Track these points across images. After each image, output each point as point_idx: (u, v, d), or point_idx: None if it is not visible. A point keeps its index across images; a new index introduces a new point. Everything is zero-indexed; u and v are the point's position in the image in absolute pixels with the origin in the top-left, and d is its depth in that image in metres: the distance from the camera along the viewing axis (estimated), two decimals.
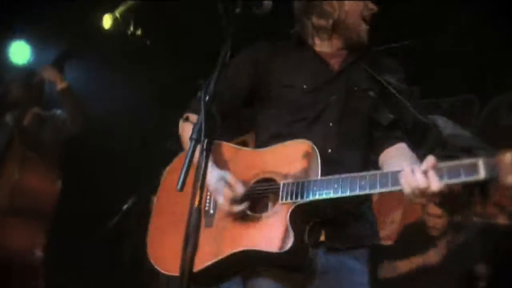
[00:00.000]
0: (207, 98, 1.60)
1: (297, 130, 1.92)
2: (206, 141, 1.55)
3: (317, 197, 1.72)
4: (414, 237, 4.04)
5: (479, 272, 3.67)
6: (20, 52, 3.97)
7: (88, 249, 3.64)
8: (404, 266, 3.88)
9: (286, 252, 1.69)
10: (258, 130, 2.08)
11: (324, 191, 1.72)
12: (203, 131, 1.55)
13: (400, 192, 1.62)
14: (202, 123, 1.56)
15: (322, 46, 2.07)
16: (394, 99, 1.97)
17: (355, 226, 1.92)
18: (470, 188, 4.00)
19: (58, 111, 3.43)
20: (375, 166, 1.99)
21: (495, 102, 4.53)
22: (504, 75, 4.29)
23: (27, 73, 3.57)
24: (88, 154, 3.90)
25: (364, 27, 2.03)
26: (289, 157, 1.85)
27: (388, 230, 4.66)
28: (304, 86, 1.96)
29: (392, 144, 1.95)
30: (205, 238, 1.70)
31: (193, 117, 1.91)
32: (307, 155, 1.80)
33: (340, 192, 1.70)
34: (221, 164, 1.94)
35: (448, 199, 3.88)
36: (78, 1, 3.90)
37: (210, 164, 1.70)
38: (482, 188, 3.97)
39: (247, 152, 2.02)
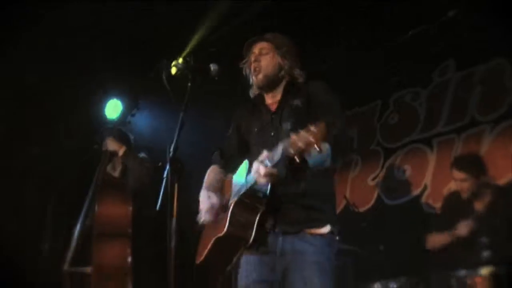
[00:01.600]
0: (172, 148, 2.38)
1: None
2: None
3: (239, 192, 2.50)
4: (456, 206, 4.17)
5: None
6: (113, 109, 4.70)
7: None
8: (438, 239, 4.10)
9: (226, 235, 2.44)
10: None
11: (239, 189, 2.53)
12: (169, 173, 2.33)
13: None
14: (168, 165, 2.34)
15: (268, 97, 2.80)
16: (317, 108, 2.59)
17: (299, 213, 2.49)
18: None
19: (142, 155, 4.34)
20: None
21: None
22: None
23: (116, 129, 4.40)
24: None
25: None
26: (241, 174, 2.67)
27: None
28: (256, 129, 2.74)
29: None
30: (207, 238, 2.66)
31: (213, 166, 2.89)
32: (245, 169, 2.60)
33: (244, 185, 2.48)
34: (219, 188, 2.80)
35: (468, 163, 4.11)
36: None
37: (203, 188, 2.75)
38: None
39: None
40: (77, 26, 4.51)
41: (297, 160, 2.14)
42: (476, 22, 4.57)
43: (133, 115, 4.56)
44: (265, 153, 2.32)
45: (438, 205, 4.97)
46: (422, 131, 5.28)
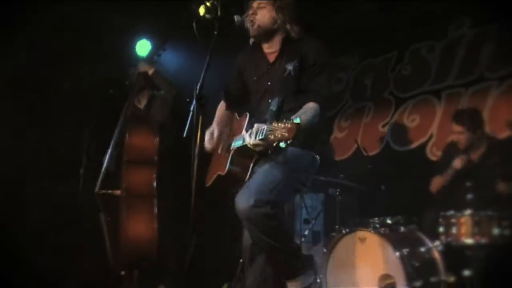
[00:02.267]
0: (198, 87, 2.77)
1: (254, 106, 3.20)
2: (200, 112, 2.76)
3: (236, 145, 3.01)
4: (452, 154, 4.51)
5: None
6: (143, 47, 4.95)
7: None
8: (439, 182, 4.49)
9: (226, 174, 3.04)
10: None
11: (237, 142, 3.02)
12: (196, 108, 2.73)
13: None
14: (194, 104, 2.74)
15: (265, 47, 3.21)
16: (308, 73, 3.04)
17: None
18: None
19: (161, 92, 4.82)
20: None
21: None
22: None
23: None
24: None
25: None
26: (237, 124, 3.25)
27: None
28: (254, 78, 3.18)
29: (305, 103, 2.98)
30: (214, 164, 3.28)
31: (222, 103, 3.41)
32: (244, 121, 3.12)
33: (240, 143, 2.97)
34: (232, 128, 3.28)
35: (466, 117, 4.43)
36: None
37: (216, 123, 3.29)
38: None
39: (236, 119, 3.34)
40: None
41: (274, 144, 2.55)
42: None
43: (159, 55, 4.91)
44: (256, 126, 2.74)
45: (441, 153, 5.32)
46: (433, 83, 5.55)
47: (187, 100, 3.02)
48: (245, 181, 2.98)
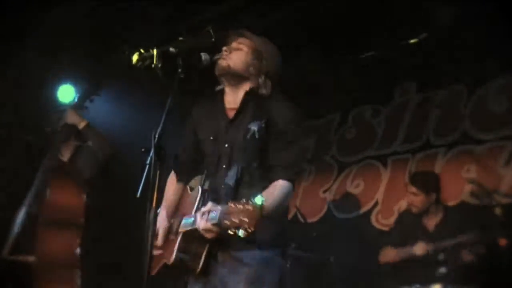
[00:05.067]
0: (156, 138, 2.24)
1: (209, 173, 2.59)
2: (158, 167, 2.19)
3: (185, 227, 2.44)
4: (408, 223, 4.31)
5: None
6: (66, 93, 4.43)
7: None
8: (392, 255, 4.20)
9: (173, 263, 2.40)
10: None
11: (186, 222, 2.46)
12: (153, 161, 2.18)
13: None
14: (152, 152, 2.20)
15: (227, 100, 2.65)
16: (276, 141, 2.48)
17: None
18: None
19: (90, 143, 4.19)
20: None
21: (483, 90, 4.84)
22: (489, 63, 4.60)
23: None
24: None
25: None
26: (187, 197, 2.66)
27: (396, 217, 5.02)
28: (211, 138, 2.59)
29: (271, 181, 2.42)
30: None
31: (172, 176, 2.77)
32: (194, 195, 2.55)
33: (190, 224, 2.40)
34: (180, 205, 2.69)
35: (422, 179, 4.25)
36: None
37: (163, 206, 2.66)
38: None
39: (186, 195, 2.71)
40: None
41: (231, 232, 2.07)
42: (441, 48, 4.75)
43: (91, 101, 4.33)
44: (209, 205, 2.26)
45: (387, 221, 5.11)
46: (378, 148, 5.39)
47: (142, 150, 2.48)
48: (197, 271, 2.41)
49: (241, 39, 2.64)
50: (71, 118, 4.07)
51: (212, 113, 2.66)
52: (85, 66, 4.93)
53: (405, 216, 4.44)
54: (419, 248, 3.97)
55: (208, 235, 2.26)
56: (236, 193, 2.37)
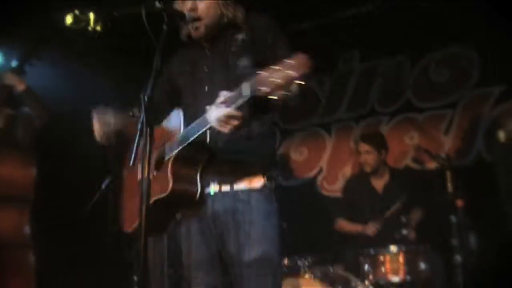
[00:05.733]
0: (146, 98, 2.05)
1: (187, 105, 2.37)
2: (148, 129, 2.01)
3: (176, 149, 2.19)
4: (356, 187, 4.47)
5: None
6: None
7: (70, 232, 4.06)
8: (347, 227, 4.34)
9: (170, 193, 2.15)
10: None
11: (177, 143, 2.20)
12: (145, 122, 2.01)
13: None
14: (143, 116, 2.02)
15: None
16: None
17: (236, 163, 2.25)
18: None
19: (26, 109, 3.82)
20: None
21: (424, 61, 5.05)
22: (431, 35, 4.78)
23: None
24: (57, 145, 4.29)
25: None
26: (169, 126, 2.34)
27: (341, 183, 5.15)
28: (188, 70, 2.41)
29: None
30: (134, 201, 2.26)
31: None
32: (176, 120, 2.29)
33: (184, 139, 2.17)
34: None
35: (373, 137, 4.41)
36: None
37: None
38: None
39: (157, 128, 2.34)
40: None
41: (273, 98, 1.88)
42: (384, 19, 4.84)
43: (31, 65, 3.93)
44: (225, 94, 2.03)
45: (332, 187, 5.24)
46: (322, 116, 5.46)
47: (131, 114, 2.29)
48: (195, 199, 2.21)
49: None
50: (9, 78, 3.69)
51: (187, 51, 2.47)
52: (20, 28, 4.49)
53: (353, 181, 4.59)
54: (371, 230, 4.11)
55: (233, 124, 2.02)
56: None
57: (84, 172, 4.29)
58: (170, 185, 2.16)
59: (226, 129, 2.05)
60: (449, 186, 3.89)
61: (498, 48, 4.43)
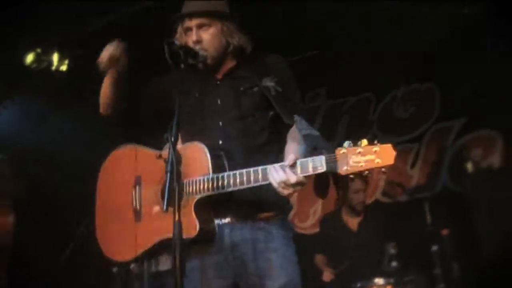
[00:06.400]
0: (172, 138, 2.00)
1: (194, 132, 2.28)
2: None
3: (210, 192, 2.10)
4: (332, 226, 4.52)
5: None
6: None
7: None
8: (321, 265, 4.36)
9: (197, 235, 2.09)
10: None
11: (215, 187, 2.09)
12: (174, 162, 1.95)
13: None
14: (171, 156, 1.96)
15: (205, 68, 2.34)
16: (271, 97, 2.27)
17: (254, 197, 2.17)
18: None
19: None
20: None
21: (389, 98, 5.27)
22: (396, 74, 5.01)
23: None
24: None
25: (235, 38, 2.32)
26: (188, 158, 2.14)
27: (312, 220, 5.21)
28: (196, 95, 2.32)
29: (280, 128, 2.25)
30: (138, 231, 2.25)
31: None
32: (200, 155, 2.17)
33: (225, 188, 2.08)
34: (141, 167, 2.35)
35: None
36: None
37: None
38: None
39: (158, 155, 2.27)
40: None
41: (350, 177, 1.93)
42: (350, 57, 5.03)
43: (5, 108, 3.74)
44: (293, 158, 1.99)
45: (304, 225, 5.27)
46: None
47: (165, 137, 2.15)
48: (213, 243, 2.18)
49: (196, 19, 2.31)
50: None
51: (191, 78, 2.35)
52: None
53: (327, 219, 4.63)
54: (326, 276, 4.20)
55: (292, 190, 1.98)
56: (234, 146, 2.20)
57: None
58: (198, 227, 2.09)
59: (285, 192, 2.01)
60: (428, 217, 4.06)
61: (457, 83, 4.72)
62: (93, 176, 2.46)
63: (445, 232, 3.68)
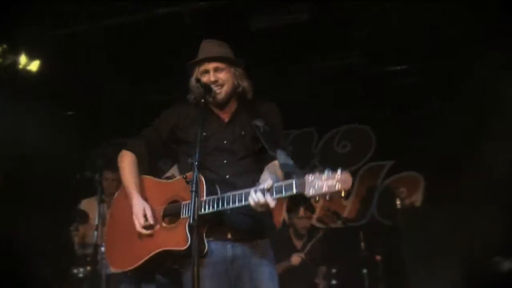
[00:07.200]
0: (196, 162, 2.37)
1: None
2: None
3: (203, 212, 2.46)
4: (282, 242, 4.84)
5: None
6: None
7: None
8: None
9: (187, 248, 2.44)
10: (179, 165, 2.84)
11: (208, 208, 2.47)
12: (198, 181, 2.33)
13: None
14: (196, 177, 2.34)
15: (215, 104, 2.78)
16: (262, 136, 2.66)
17: (252, 223, 2.60)
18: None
19: None
20: None
21: (331, 134, 5.87)
22: (338, 112, 5.60)
23: None
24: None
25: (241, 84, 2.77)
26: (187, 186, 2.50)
27: None
28: (204, 134, 2.65)
29: (268, 162, 2.67)
30: (135, 245, 2.61)
31: (128, 154, 2.79)
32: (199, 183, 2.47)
33: (214, 208, 2.45)
34: (144, 192, 2.73)
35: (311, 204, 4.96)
36: None
37: (136, 193, 2.66)
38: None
39: (162, 183, 2.79)
40: None
41: (315, 200, 2.33)
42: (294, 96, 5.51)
43: None
44: (270, 183, 2.38)
45: None
46: None
47: (190, 161, 2.47)
48: (203, 255, 2.50)
49: (213, 63, 2.75)
50: None
51: (202, 115, 2.66)
52: None
53: (279, 234, 5.00)
54: (296, 259, 4.63)
55: (263, 209, 2.35)
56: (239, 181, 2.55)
57: None
58: (188, 243, 2.43)
59: (257, 211, 2.39)
60: (362, 244, 4.64)
61: (390, 128, 5.42)
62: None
63: (378, 258, 4.24)
